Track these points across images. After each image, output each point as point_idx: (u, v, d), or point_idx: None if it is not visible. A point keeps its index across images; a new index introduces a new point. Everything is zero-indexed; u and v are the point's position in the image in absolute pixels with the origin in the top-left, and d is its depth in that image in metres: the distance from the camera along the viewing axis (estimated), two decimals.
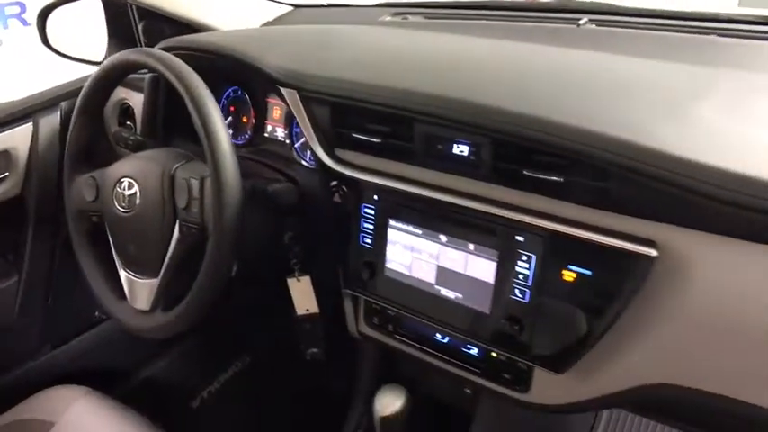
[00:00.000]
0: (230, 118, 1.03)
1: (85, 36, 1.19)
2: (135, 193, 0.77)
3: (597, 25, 0.95)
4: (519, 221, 0.59)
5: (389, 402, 0.73)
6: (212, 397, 1.35)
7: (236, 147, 1.01)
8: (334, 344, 0.92)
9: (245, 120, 1.01)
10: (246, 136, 1.01)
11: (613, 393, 0.60)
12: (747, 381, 0.52)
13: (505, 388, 0.69)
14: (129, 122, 1.08)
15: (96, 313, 1.22)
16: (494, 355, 0.70)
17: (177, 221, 0.74)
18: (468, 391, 0.84)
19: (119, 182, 0.78)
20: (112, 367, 1.21)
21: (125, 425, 0.92)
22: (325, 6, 1.32)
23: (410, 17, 1.13)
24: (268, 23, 1.17)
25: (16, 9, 3.07)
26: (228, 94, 1.03)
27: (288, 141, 0.94)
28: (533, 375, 0.67)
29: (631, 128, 0.53)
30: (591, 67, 0.70)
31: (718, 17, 0.88)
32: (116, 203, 0.78)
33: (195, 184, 0.71)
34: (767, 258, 0.48)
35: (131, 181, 0.77)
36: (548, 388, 0.66)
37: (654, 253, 0.52)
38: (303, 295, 0.89)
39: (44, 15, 1.12)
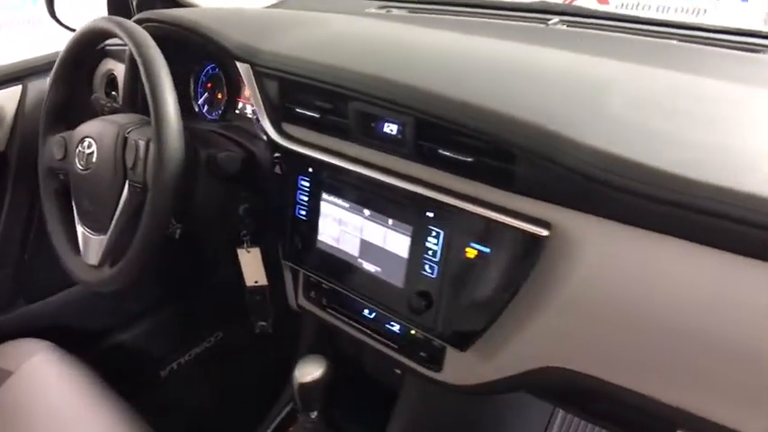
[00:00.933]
0: (206, 94, 1.06)
1: (90, 10, 1.24)
2: (93, 152, 0.81)
3: (567, 26, 0.97)
4: (431, 198, 0.61)
5: (309, 371, 0.75)
6: (181, 368, 1.39)
7: (209, 121, 1.05)
8: (281, 317, 0.94)
9: (219, 96, 1.05)
10: (219, 111, 1.04)
11: (515, 375, 0.61)
12: (631, 368, 0.53)
13: (421, 366, 0.71)
14: (113, 92, 1.12)
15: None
16: (413, 332, 0.71)
17: (127, 181, 0.77)
18: (398, 371, 0.85)
19: (81, 141, 0.82)
20: (84, 329, 1.25)
21: (81, 383, 0.96)
22: None
23: (394, 10, 1.15)
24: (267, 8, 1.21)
25: None
26: (207, 71, 1.06)
27: (254, 117, 0.98)
28: (445, 355, 0.68)
29: (537, 113, 0.54)
30: (531, 61, 0.71)
31: (683, 24, 0.89)
32: (77, 161, 0.82)
33: (142, 144, 0.75)
34: (648, 244, 0.49)
35: (91, 140, 0.81)
36: (457, 368, 0.67)
37: (545, 233, 0.53)
38: (252, 267, 0.91)
39: None
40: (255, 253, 0.90)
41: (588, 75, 0.66)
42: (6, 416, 0.90)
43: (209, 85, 1.06)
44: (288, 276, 0.85)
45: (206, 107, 1.07)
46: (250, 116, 1.00)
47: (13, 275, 1.14)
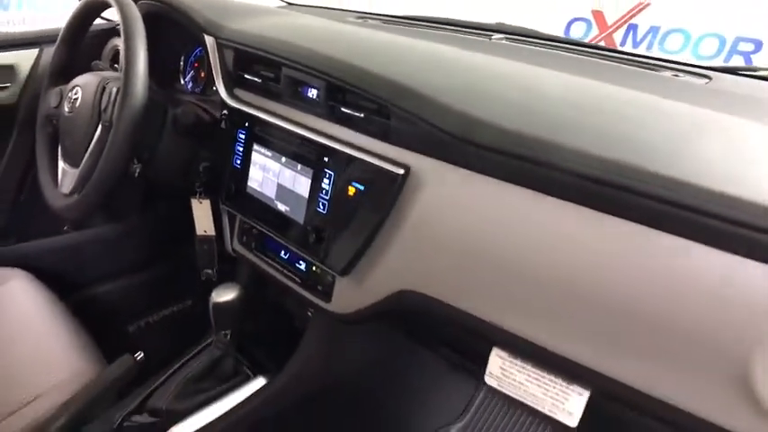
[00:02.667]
0: (192, 72, 1.22)
1: None
2: (78, 97, 0.96)
3: (507, 41, 1.10)
4: (328, 146, 0.74)
5: (224, 294, 0.87)
6: (148, 327, 1.50)
7: (193, 93, 1.20)
8: (223, 265, 1.06)
9: (202, 75, 1.20)
10: (200, 87, 1.19)
11: (380, 300, 0.72)
12: (464, 291, 0.63)
13: (317, 298, 0.82)
14: (116, 65, 1.28)
15: (65, 227, 1.41)
16: (314, 269, 0.83)
17: (100, 121, 0.92)
18: (310, 313, 0.96)
19: (71, 89, 0.98)
20: (65, 272, 1.38)
21: (51, 311, 1.09)
22: (314, 6, 1.51)
23: (369, 20, 1.31)
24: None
25: None
26: (196, 53, 1.22)
27: None
28: (334, 288, 0.79)
29: (419, 84, 0.67)
30: (451, 55, 0.84)
31: (599, 47, 1.01)
32: (66, 106, 0.98)
33: (114, 90, 0.89)
34: (483, 186, 0.60)
35: (78, 88, 0.96)
36: (341, 298, 0.79)
37: (401, 171, 0.65)
38: (203, 217, 1.04)
39: None
40: (206, 204, 1.03)
41: (493, 69, 0.78)
42: None
43: (195, 64, 1.22)
44: (226, 223, 0.98)
45: (190, 83, 1.22)
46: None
47: (9, 213, 1.29)
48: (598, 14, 3.14)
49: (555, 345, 0.56)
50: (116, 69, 1.27)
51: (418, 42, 0.94)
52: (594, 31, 3.16)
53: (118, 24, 1.29)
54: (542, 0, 3.17)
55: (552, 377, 0.58)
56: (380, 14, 1.39)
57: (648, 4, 2.91)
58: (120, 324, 1.48)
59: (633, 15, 3.01)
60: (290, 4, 1.48)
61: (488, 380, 0.62)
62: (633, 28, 3.04)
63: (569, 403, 0.56)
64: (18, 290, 1.13)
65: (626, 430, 0.60)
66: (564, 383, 0.57)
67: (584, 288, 0.52)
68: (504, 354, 0.61)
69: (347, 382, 0.95)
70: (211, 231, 1.05)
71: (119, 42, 1.28)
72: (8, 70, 1.23)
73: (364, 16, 1.34)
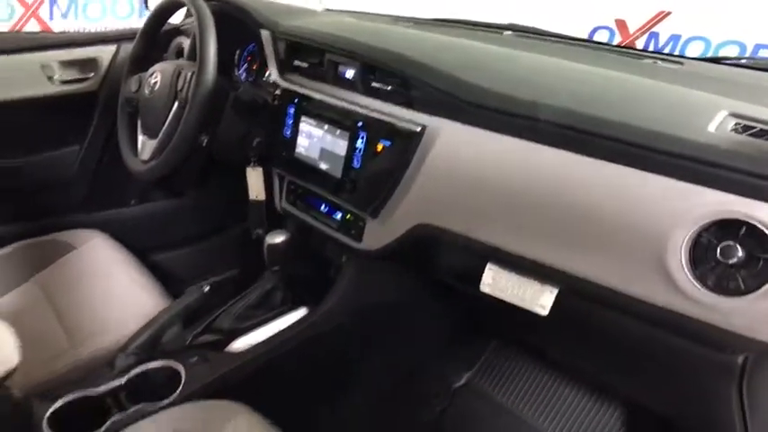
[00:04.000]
0: (245, 65, 1.43)
1: None
2: (157, 81, 1.17)
3: (516, 37, 1.28)
4: (361, 113, 0.93)
5: (275, 236, 1.07)
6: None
7: (246, 82, 1.41)
8: (272, 226, 1.26)
9: (254, 67, 1.41)
10: (252, 77, 1.40)
11: (403, 234, 0.90)
12: (469, 219, 0.81)
13: (350, 240, 1.01)
14: (180, 59, 1.50)
15: (132, 201, 1.63)
16: (348, 217, 1.02)
17: (176, 100, 1.13)
18: (344, 259, 1.15)
19: (150, 74, 1.19)
20: (134, 240, 1.59)
21: (125, 264, 1.30)
22: (351, 12, 1.71)
23: (400, 21, 1.50)
24: None
25: None
26: (249, 49, 1.43)
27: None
28: (365, 229, 0.98)
29: (423, 57, 0.86)
30: (449, 41, 1.03)
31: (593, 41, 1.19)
32: (146, 89, 1.19)
33: (189, 74, 1.10)
34: (480, 135, 0.78)
35: (157, 73, 1.18)
36: (369, 238, 0.97)
37: (419, 129, 0.84)
38: (255, 184, 1.24)
39: None
40: (259, 172, 1.23)
41: (496, 53, 0.97)
42: (63, 277, 1.26)
43: (248, 58, 1.43)
44: (276, 186, 1.18)
45: (244, 74, 1.43)
46: (272, 81, 1.35)
47: (89, 185, 1.51)
48: (621, 23, 3.28)
49: (533, 254, 0.73)
50: None
51: (437, 35, 1.13)
52: (617, 38, 3.30)
53: (182, 26, 1.52)
54: (566, 8, 3.33)
55: (530, 280, 0.76)
56: (411, 17, 1.58)
57: (669, 13, 3.04)
58: (174, 288, 1.69)
59: (655, 24, 3.15)
60: (329, 10, 1.68)
61: (483, 288, 0.80)
62: (654, 36, 3.18)
63: (543, 298, 0.74)
64: (100, 247, 1.36)
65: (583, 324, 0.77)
66: (538, 284, 0.75)
67: (556, 209, 0.70)
68: (494, 267, 0.79)
69: (371, 315, 1.13)
70: (262, 196, 1.25)
71: (182, 40, 1.51)
72: (92, 62, 1.46)
73: (397, 18, 1.53)
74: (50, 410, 0.91)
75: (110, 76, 1.47)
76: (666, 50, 3.09)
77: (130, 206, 1.62)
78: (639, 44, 3.25)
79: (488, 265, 0.80)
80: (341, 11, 1.68)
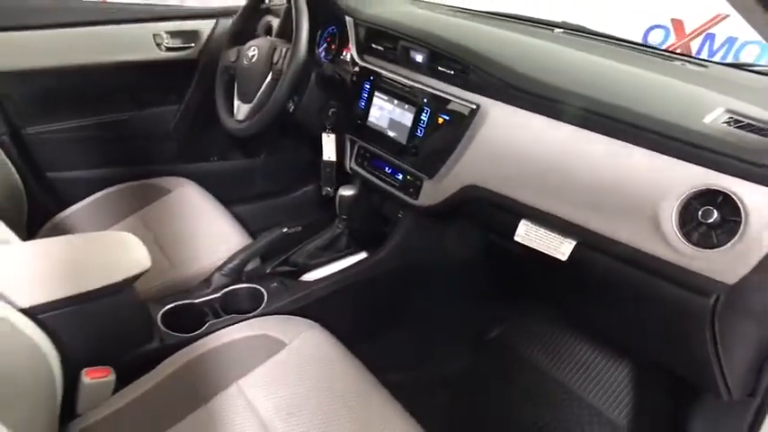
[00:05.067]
0: (325, 44, 1.64)
1: None
2: (255, 54, 1.39)
3: (565, 34, 1.45)
4: (427, 91, 1.13)
5: (346, 189, 1.28)
6: None
7: (326, 61, 1.61)
8: (340, 184, 1.47)
9: (333, 47, 1.62)
10: (331, 56, 1.61)
11: (453, 193, 1.10)
12: (510, 183, 1.00)
13: (408, 197, 1.22)
14: (269, 36, 1.73)
15: (213, 158, 1.87)
16: (408, 177, 1.23)
17: (271, 71, 1.35)
18: (399, 215, 1.36)
19: (249, 48, 1.42)
20: (217, 191, 1.82)
21: (212, 207, 1.54)
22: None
23: (459, 13, 1.68)
24: None
25: None
26: (329, 30, 1.64)
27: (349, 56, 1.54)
28: (421, 188, 1.19)
29: (480, 48, 1.05)
30: (503, 34, 1.22)
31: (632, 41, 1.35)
32: (244, 60, 1.42)
33: (284, 50, 1.32)
34: (524, 116, 0.97)
35: (255, 47, 1.40)
36: (425, 195, 1.18)
37: (473, 107, 1.03)
38: (328, 147, 1.45)
39: None
40: (332, 138, 1.45)
41: (543, 47, 1.15)
42: (160, 213, 1.50)
43: (327, 39, 1.64)
44: (347, 147, 1.39)
45: (323, 53, 1.64)
46: (348, 60, 1.56)
47: (182, 140, 1.76)
48: (677, 22, 3.32)
49: (558, 211, 0.93)
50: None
51: (493, 29, 1.31)
52: (672, 38, 3.35)
53: (271, 6, 1.74)
54: (625, 6, 3.39)
55: (554, 234, 0.95)
56: (470, 9, 1.76)
57: (727, 16, 3.08)
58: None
59: (712, 25, 3.19)
60: None
61: (517, 237, 0.99)
62: (711, 37, 3.22)
63: (563, 247, 0.93)
64: (189, 192, 1.60)
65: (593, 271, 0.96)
66: (561, 237, 0.94)
67: (577, 176, 0.89)
68: (527, 222, 0.99)
69: (417, 265, 1.35)
70: (333, 158, 1.46)
71: (271, 19, 1.73)
72: (193, 34, 1.70)
73: (457, 9, 1.72)
74: (162, 311, 1.16)
75: (208, 46, 1.70)
76: (721, 52, 3.15)
77: (210, 161, 1.87)
78: (695, 45, 3.31)
79: (522, 221, 0.99)
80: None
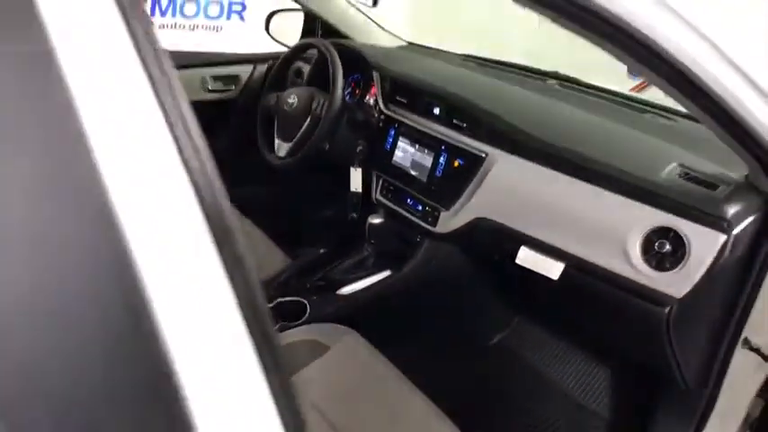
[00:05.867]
0: (349, 89, 1.90)
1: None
2: (295, 101, 1.65)
3: (559, 86, 1.71)
4: (443, 140, 1.39)
5: (374, 218, 1.54)
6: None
7: (353, 103, 1.87)
8: (365, 212, 1.72)
9: (357, 92, 1.87)
10: (356, 99, 1.87)
11: (467, 223, 1.36)
12: (518, 218, 1.26)
13: (427, 224, 1.47)
14: (299, 79, 1.99)
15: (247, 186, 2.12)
16: (427, 208, 1.48)
17: (310, 115, 1.60)
18: (418, 238, 1.61)
19: (289, 95, 1.67)
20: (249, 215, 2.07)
21: (253, 229, 1.79)
22: (428, 47, 2.16)
23: (469, 62, 1.95)
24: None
25: (239, 7, 4.27)
26: (354, 78, 1.89)
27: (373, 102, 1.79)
28: (439, 218, 1.44)
29: (488, 105, 1.31)
30: (506, 90, 1.48)
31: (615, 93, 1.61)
32: (284, 105, 1.67)
33: (321, 101, 1.58)
34: (528, 166, 1.23)
35: (295, 95, 1.65)
36: (442, 224, 1.43)
37: (483, 155, 1.29)
38: (356, 179, 1.70)
39: (271, 15, 2.08)
40: (359, 172, 1.70)
41: (538, 103, 1.41)
42: None
43: (352, 84, 1.90)
44: (373, 181, 1.64)
45: (348, 96, 1.90)
46: (371, 104, 1.81)
47: (228, 169, 2.01)
48: None
49: (551, 240, 1.18)
50: (298, 82, 1.98)
51: (497, 81, 1.57)
52: None
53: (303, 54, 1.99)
54: None
55: (547, 258, 1.20)
56: (476, 57, 2.02)
57: None
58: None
59: None
60: (410, 44, 2.13)
61: (518, 260, 1.25)
62: None
63: (554, 269, 1.19)
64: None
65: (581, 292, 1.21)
66: (553, 260, 1.19)
67: (564, 213, 1.15)
68: (526, 248, 1.24)
69: (433, 282, 1.60)
70: (360, 189, 1.71)
71: (301, 65, 1.99)
72: (234, 78, 1.96)
73: (466, 58, 1.97)
74: None
75: (246, 89, 1.96)
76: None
77: (247, 188, 2.12)
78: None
79: (522, 247, 1.25)
80: (419, 47, 2.14)
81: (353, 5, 1.92)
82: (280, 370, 0.37)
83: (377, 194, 1.65)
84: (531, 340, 1.79)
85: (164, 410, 0.33)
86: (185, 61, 1.91)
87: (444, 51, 2.10)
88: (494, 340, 1.80)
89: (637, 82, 3.22)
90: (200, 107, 1.52)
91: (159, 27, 4.07)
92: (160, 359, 0.32)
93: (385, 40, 2.00)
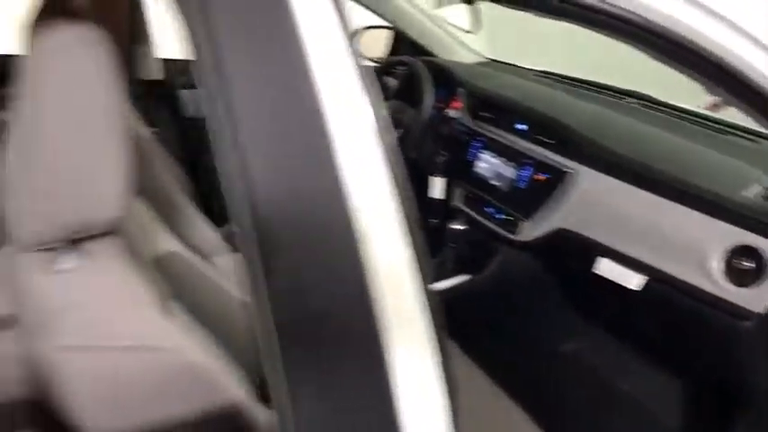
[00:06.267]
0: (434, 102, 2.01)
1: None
2: None
3: (636, 104, 1.77)
4: (528, 154, 1.48)
5: (457, 225, 1.65)
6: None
7: (438, 116, 1.98)
8: (444, 218, 1.83)
9: (441, 105, 1.98)
10: (440, 112, 1.97)
11: (547, 233, 1.44)
12: (600, 230, 1.33)
13: (506, 232, 1.56)
14: (384, 93, 2.11)
15: None
16: (506, 217, 1.57)
17: (399, 127, 1.72)
18: (497, 246, 1.70)
19: None
20: None
21: None
22: (508, 63, 2.25)
23: (545, 79, 2.02)
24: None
25: None
26: (440, 92, 2.00)
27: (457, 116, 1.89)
28: (518, 227, 1.53)
29: (573, 121, 1.39)
30: (588, 109, 1.55)
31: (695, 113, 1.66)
32: None
33: (411, 113, 1.69)
34: (611, 181, 1.30)
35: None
36: (522, 233, 1.52)
37: (569, 170, 1.37)
38: (437, 188, 1.81)
39: (363, 30, 2.21)
40: (440, 180, 1.80)
41: (625, 124, 1.48)
42: None
43: (438, 98, 2.01)
44: (454, 189, 1.75)
45: (434, 110, 2.01)
46: (452, 116, 1.91)
47: None
48: None
49: (632, 253, 1.25)
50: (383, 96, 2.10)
51: (577, 100, 1.65)
52: None
53: (389, 69, 2.12)
54: None
55: (628, 270, 1.27)
56: (553, 74, 2.10)
57: None
58: None
59: None
60: (490, 60, 2.23)
61: (596, 269, 1.32)
62: None
63: (635, 280, 1.26)
64: None
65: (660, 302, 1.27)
66: (633, 272, 1.26)
67: (646, 227, 1.22)
68: (605, 259, 1.31)
69: (508, 288, 1.69)
70: (440, 196, 1.82)
71: (387, 80, 2.11)
72: None
73: (544, 74, 2.05)
74: None
75: None
76: None
77: None
78: None
79: (602, 258, 1.32)
80: (498, 63, 2.23)
81: (439, 25, 2.04)
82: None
83: (457, 202, 1.75)
84: (601, 350, 1.84)
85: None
86: None
87: (522, 68, 2.19)
88: (564, 348, 1.87)
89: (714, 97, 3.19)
90: None
91: None
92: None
93: (466, 57, 2.11)
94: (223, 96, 0.45)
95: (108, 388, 0.57)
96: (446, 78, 1.79)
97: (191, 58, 0.47)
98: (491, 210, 1.64)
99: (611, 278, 1.30)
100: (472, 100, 1.69)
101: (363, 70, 0.49)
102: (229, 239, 1.47)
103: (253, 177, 0.45)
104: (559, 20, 0.81)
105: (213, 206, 1.59)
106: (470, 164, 1.66)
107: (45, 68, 0.57)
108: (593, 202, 1.34)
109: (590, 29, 0.78)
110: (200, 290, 0.99)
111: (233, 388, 0.62)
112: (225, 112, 0.45)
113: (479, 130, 1.65)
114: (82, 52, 0.56)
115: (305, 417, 0.47)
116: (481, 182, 1.62)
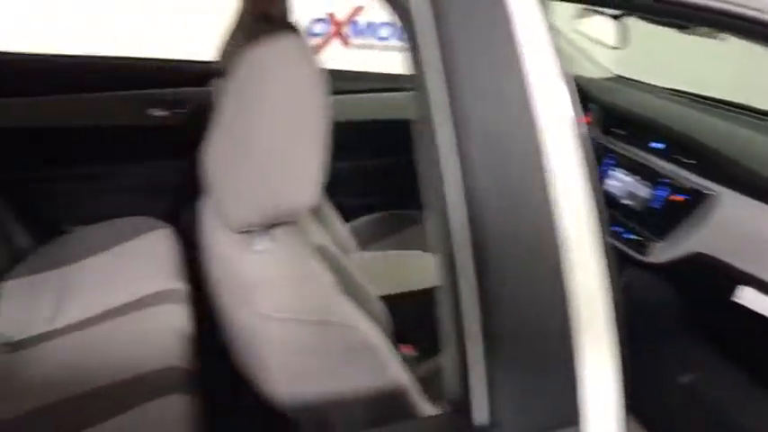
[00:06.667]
0: None
1: None
2: None
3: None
4: (665, 174, 1.43)
5: None
6: None
7: None
8: None
9: None
10: None
11: (684, 255, 1.38)
12: (743, 257, 1.27)
13: (636, 252, 1.51)
14: None
15: None
16: (634, 237, 1.52)
17: None
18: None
19: None
20: None
21: None
22: (637, 81, 2.18)
23: (676, 97, 1.94)
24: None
25: None
26: None
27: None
28: (649, 248, 1.48)
29: (714, 141, 1.33)
30: (728, 129, 1.48)
31: None
32: None
33: None
34: (755, 205, 1.24)
35: None
36: (653, 253, 1.47)
37: (712, 192, 1.32)
38: None
39: None
40: None
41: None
42: None
43: None
44: None
45: None
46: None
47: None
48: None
49: None
50: None
51: (717, 121, 1.57)
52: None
53: None
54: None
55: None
56: (686, 92, 2.01)
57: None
58: None
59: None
60: (619, 76, 2.17)
61: (736, 298, 1.25)
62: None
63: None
64: None
65: None
66: None
67: None
68: (749, 289, 1.25)
69: (634, 310, 1.63)
70: None
71: None
72: None
73: (674, 93, 1.97)
74: None
75: None
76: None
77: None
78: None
79: (745, 287, 1.26)
80: (627, 79, 2.16)
81: (566, 39, 2.02)
82: None
83: None
84: (727, 383, 1.73)
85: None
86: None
87: (652, 85, 2.11)
88: (685, 379, 1.77)
89: None
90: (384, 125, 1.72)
91: (357, 47, 4.46)
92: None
93: (593, 72, 2.07)
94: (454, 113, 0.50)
95: (297, 357, 0.63)
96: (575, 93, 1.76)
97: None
98: (618, 229, 1.60)
99: (753, 309, 1.23)
100: (603, 116, 1.66)
101: (573, 89, 0.54)
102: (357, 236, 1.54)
103: (477, 196, 0.50)
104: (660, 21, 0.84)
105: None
106: (599, 181, 1.63)
107: (261, 75, 0.64)
108: (736, 227, 1.27)
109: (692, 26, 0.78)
110: (344, 285, 1.05)
111: (399, 371, 0.66)
112: (451, 128, 0.50)
113: (610, 146, 1.62)
114: (295, 59, 0.63)
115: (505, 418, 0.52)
116: (610, 199, 1.59)
